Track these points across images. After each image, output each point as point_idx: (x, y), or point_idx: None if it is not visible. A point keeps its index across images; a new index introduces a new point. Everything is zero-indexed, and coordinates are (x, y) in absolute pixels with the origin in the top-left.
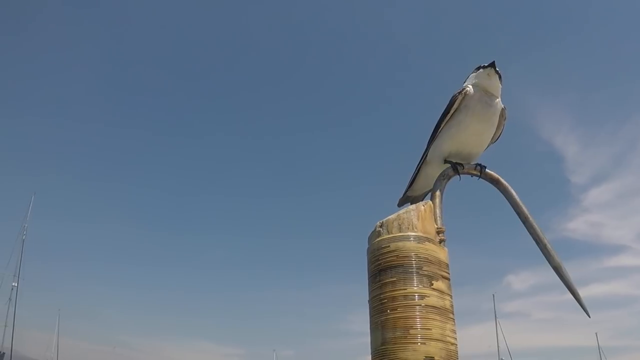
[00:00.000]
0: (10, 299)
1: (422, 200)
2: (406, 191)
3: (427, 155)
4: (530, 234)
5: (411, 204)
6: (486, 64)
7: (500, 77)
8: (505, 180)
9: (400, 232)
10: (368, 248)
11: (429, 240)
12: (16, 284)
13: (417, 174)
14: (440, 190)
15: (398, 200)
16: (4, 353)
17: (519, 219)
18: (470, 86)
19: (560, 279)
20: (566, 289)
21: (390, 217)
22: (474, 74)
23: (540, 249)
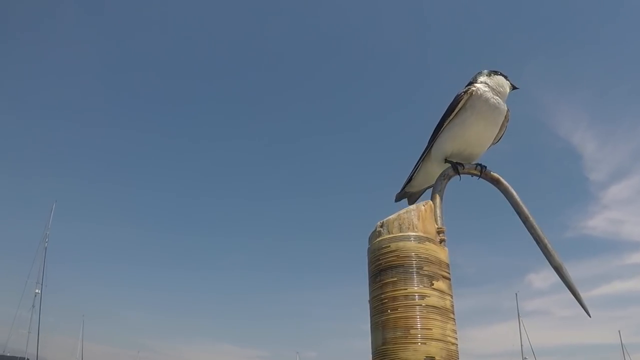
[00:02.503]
0: (33, 305)
1: (419, 197)
2: (404, 187)
3: (428, 152)
4: (531, 234)
5: (409, 199)
6: (513, 84)
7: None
8: (507, 180)
9: (400, 232)
10: (369, 248)
11: (429, 240)
12: (39, 291)
13: (416, 170)
14: (440, 191)
15: (395, 195)
16: (28, 359)
17: (520, 219)
18: (479, 85)
19: (561, 279)
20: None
21: (390, 217)
22: (496, 77)
23: (541, 249)
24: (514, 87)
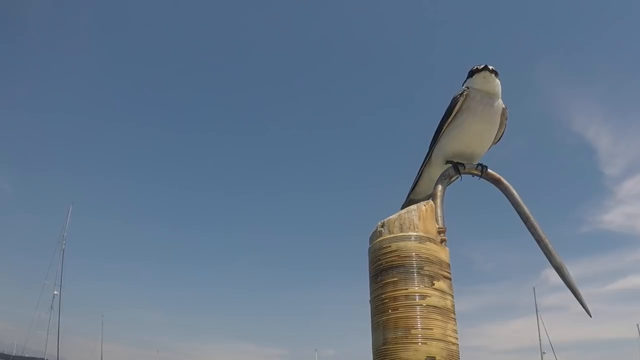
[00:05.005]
0: (52, 307)
1: None
2: (409, 194)
3: (429, 157)
4: (532, 233)
5: None
6: (480, 67)
7: (497, 75)
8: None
9: (401, 232)
10: (369, 248)
11: (430, 240)
12: (58, 293)
13: (419, 176)
14: (441, 190)
15: (402, 204)
16: None
17: (520, 219)
18: (471, 88)
19: (562, 278)
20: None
21: (391, 217)
22: (470, 78)
23: (542, 249)
24: (489, 69)
